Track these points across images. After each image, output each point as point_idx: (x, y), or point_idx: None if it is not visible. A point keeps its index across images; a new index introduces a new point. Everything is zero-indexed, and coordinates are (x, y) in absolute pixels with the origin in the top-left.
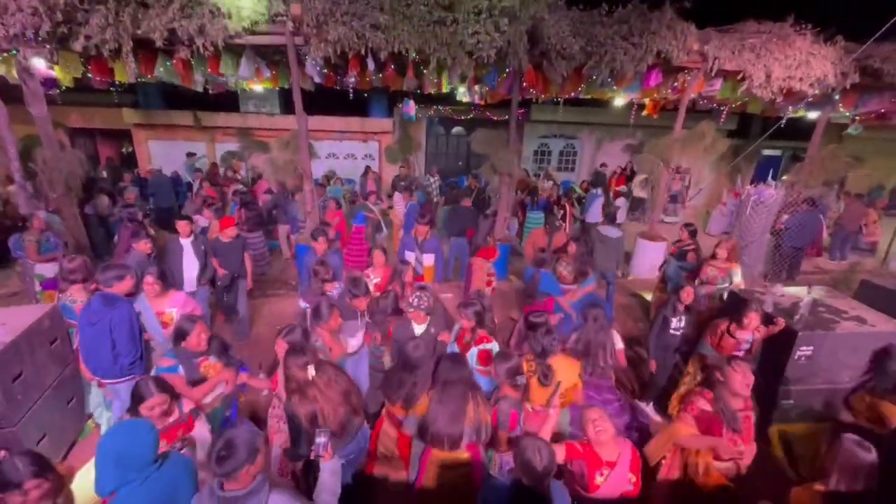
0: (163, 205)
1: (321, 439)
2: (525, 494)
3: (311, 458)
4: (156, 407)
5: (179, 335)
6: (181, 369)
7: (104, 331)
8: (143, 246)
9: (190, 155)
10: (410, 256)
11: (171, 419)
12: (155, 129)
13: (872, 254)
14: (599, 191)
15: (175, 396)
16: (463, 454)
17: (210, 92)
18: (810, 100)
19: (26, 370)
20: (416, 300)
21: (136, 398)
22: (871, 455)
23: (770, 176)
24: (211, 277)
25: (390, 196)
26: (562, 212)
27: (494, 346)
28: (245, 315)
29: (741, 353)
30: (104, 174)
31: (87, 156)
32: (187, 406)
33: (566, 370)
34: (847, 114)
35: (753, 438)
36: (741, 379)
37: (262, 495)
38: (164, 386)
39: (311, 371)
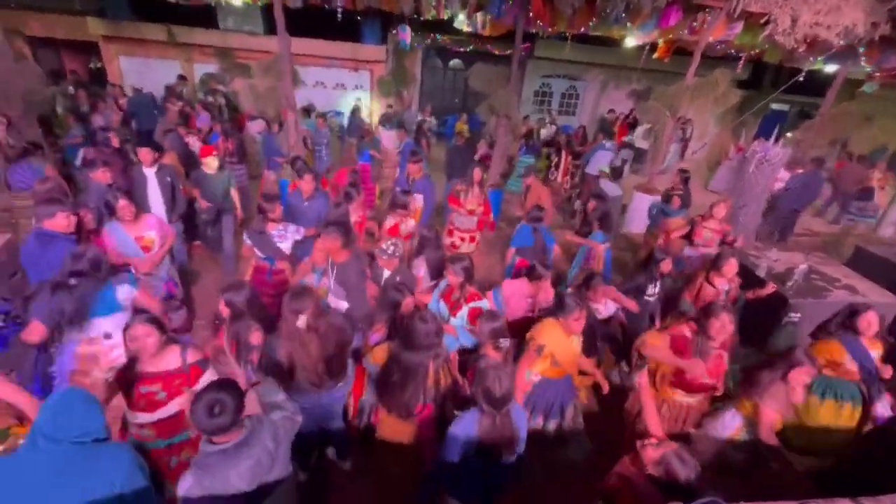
0: (147, 127)
1: (248, 372)
2: (489, 420)
3: (246, 390)
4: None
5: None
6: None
7: (44, 274)
8: (100, 175)
9: (181, 78)
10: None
11: (171, 367)
12: (125, 43)
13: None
14: (608, 143)
15: (173, 340)
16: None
17: (180, 2)
18: (833, 51)
19: None
20: (391, 248)
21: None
22: None
23: (776, 132)
24: (183, 212)
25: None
26: (556, 159)
27: (485, 304)
28: (231, 251)
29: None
30: (71, 91)
31: (52, 71)
32: (193, 356)
33: (554, 336)
34: (868, 69)
35: (723, 378)
36: (718, 326)
37: (265, 418)
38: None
39: (302, 321)
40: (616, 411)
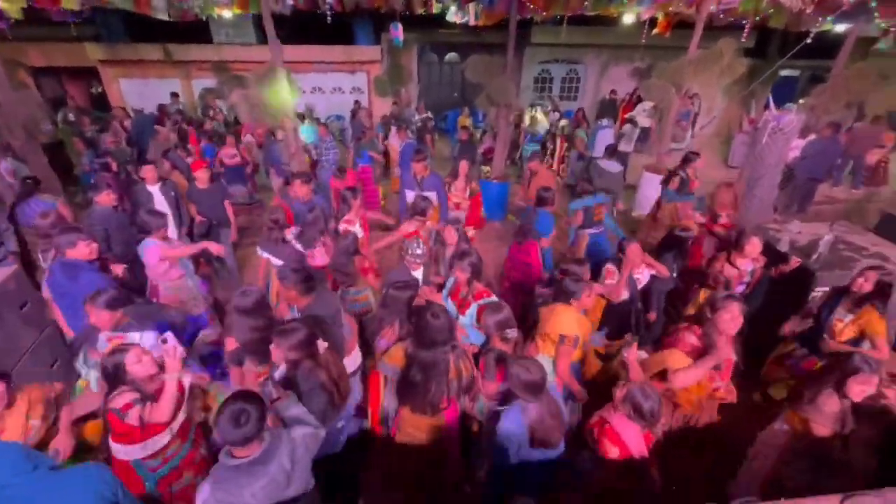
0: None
1: (266, 389)
2: (535, 408)
3: (270, 406)
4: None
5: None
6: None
7: (77, 304)
8: (104, 199)
9: (174, 96)
10: (411, 196)
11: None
12: (123, 66)
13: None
14: (605, 121)
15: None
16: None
17: (171, 19)
18: (844, 9)
19: None
20: (418, 248)
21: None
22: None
23: (770, 100)
24: (189, 227)
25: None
26: (551, 147)
27: (494, 301)
28: (233, 265)
29: (742, 287)
30: (71, 118)
31: (55, 98)
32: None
33: (577, 321)
34: (882, 25)
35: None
36: (728, 318)
37: (284, 434)
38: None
39: (322, 344)
40: None
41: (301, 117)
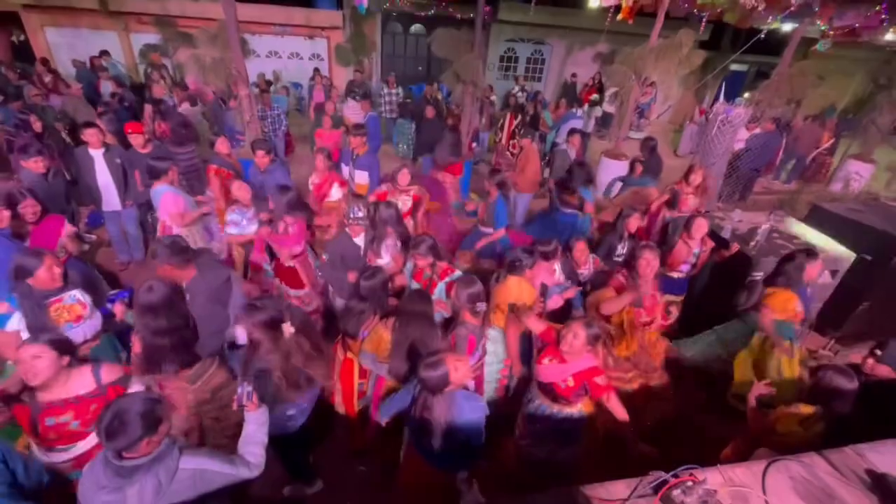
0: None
1: (244, 388)
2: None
3: (235, 408)
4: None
5: (21, 272)
6: (17, 318)
7: None
8: (33, 164)
9: (104, 53)
10: (345, 171)
11: (82, 391)
12: (50, 13)
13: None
14: (579, 111)
15: (83, 359)
16: None
17: None
18: (792, 8)
19: None
20: (355, 211)
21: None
22: (853, 383)
23: (721, 92)
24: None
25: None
26: (501, 121)
27: (459, 276)
28: None
29: (687, 267)
30: None
31: None
32: (109, 374)
33: (520, 292)
34: (822, 27)
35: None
36: (644, 263)
37: (170, 461)
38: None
39: (289, 328)
40: None
41: (268, 84)
